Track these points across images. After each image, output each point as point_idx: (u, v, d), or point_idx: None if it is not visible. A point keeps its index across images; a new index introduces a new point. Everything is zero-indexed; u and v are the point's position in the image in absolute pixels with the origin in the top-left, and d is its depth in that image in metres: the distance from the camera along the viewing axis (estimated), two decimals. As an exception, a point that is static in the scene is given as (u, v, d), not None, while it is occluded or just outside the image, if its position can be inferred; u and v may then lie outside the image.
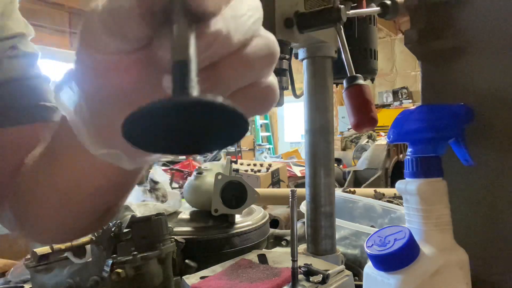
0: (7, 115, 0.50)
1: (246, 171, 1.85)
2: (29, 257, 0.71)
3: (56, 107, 0.54)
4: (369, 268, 0.45)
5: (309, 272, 0.59)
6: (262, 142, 9.97)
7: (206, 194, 0.83)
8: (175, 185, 1.55)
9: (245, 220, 0.85)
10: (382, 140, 2.46)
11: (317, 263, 0.64)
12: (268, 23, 0.61)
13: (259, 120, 10.13)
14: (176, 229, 0.78)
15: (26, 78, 0.53)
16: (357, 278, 0.71)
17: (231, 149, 5.15)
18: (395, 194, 1.27)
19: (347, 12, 0.64)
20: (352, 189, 1.35)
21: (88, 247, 0.66)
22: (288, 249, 0.68)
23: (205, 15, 0.21)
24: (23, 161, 0.47)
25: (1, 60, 0.51)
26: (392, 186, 1.66)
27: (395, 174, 2.06)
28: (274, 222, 1.16)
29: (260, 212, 0.92)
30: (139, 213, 0.82)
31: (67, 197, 0.38)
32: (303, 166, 1.50)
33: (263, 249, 0.87)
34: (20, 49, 0.54)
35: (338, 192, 1.16)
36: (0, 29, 0.52)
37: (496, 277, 0.49)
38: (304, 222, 0.79)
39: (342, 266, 0.64)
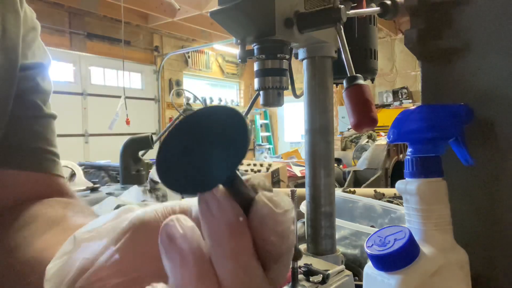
0: (13, 156, 0.49)
1: (246, 171, 1.85)
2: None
3: (58, 158, 0.55)
4: (369, 268, 0.45)
5: (309, 272, 0.59)
6: (262, 142, 9.98)
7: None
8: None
9: (245, 220, 0.85)
10: (382, 140, 2.46)
11: (317, 263, 0.64)
12: (268, 23, 0.61)
13: (259, 120, 10.13)
14: (176, 229, 0.78)
15: (40, 116, 0.53)
16: (357, 278, 0.71)
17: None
18: (395, 194, 1.27)
19: (347, 12, 0.64)
20: (352, 189, 1.35)
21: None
22: (288, 249, 0.68)
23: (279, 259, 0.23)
24: (4, 205, 0.48)
25: (23, 92, 0.51)
26: (392, 186, 1.66)
27: (395, 174, 2.06)
28: (274, 222, 1.16)
29: (260, 212, 0.91)
30: (139, 213, 0.82)
31: None
32: (303, 166, 1.51)
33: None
34: (39, 85, 0.53)
35: (338, 192, 1.16)
36: (21, 56, 0.51)
37: (496, 277, 0.49)
38: (304, 222, 0.79)
39: (342, 266, 0.64)
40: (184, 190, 0.22)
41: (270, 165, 1.93)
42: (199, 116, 0.23)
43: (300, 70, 0.77)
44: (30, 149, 0.51)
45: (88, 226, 0.30)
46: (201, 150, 0.22)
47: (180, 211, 0.26)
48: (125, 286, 0.26)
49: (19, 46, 0.50)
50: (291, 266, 0.56)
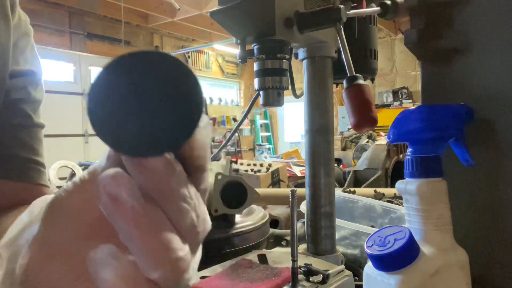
0: (3, 165, 0.50)
1: (246, 171, 1.85)
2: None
3: (44, 167, 0.55)
4: (369, 268, 0.45)
5: (309, 272, 0.59)
6: (262, 142, 9.98)
7: (206, 194, 0.83)
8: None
9: (245, 220, 0.85)
10: (382, 140, 2.46)
11: (317, 263, 0.64)
12: (268, 23, 0.61)
13: (259, 120, 10.13)
14: (176, 229, 0.78)
15: (28, 126, 0.53)
16: (357, 278, 0.71)
17: (231, 149, 5.14)
18: (395, 194, 1.27)
19: (347, 12, 0.64)
20: (352, 189, 1.35)
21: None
22: (288, 249, 0.68)
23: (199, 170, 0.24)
24: None
25: (14, 101, 0.51)
26: (392, 186, 1.66)
27: (395, 174, 2.06)
28: (274, 222, 1.16)
29: (260, 212, 0.91)
30: (139, 213, 0.81)
31: None
32: (303, 166, 1.50)
33: (263, 249, 0.87)
34: (31, 94, 0.53)
35: (338, 192, 1.16)
36: (12, 61, 0.51)
37: (496, 278, 0.49)
38: (304, 222, 0.79)
39: (342, 266, 0.64)
40: (124, 148, 0.20)
41: (270, 165, 1.93)
42: (142, 59, 0.19)
43: (300, 70, 0.77)
44: (17, 158, 0.51)
45: (6, 236, 0.29)
46: (148, 104, 0.19)
47: (91, 177, 0.24)
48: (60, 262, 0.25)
49: (9, 52, 0.50)
50: (292, 265, 0.56)
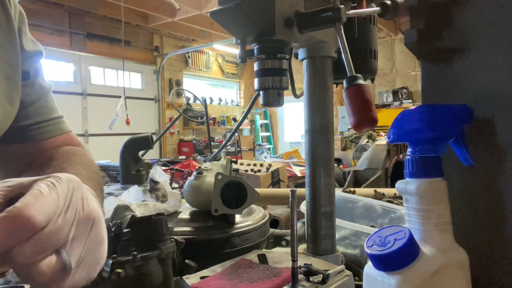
0: (43, 129, 0.68)
1: (246, 171, 1.84)
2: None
3: (63, 117, 0.73)
4: (369, 268, 0.45)
5: (309, 272, 0.59)
6: (262, 142, 9.98)
7: (206, 194, 0.83)
8: (175, 185, 1.55)
9: (245, 220, 0.85)
10: (382, 140, 2.46)
11: (317, 263, 0.64)
12: (268, 23, 0.61)
13: (259, 120, 10.14)
14: (176, 229, 0.78)
15: (48, 94, 0.70)
16: (357, 278, 0.71)
17: (231, 149, 5.15)
18: (395, 194, 1.27)
19: (347, 12, 0.64)
20: (352, 189, 1.35)
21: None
22: (288, 249, 0.68)
23: None
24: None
25: (33, 80, 0.66)
26: (392, 186, 1.66)
27: (395, 174, 2.06)
28: (274, 222, 1.16)
29: (260, 212, 0.91)
30: (139, 213, 0.82)
31: None
32: (303, 166, 1.50)
33: (263, 249, 0.87)
34: (40, 69, 0.68)
35: (338, 192, 1.16)
36: (23, 46, 0.63)
37: (496, 277, 0.49)
38: (304, 222, 0.79)
39: (342, 266, 0.64)
40: None
41: (270, 165, 1.93)
42: None
43: (300, 70, 0.77)
44: (52, 120, 0.70)
45: None
46: None
47: None
48: None
49: (18, 44, 0.62)
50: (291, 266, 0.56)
